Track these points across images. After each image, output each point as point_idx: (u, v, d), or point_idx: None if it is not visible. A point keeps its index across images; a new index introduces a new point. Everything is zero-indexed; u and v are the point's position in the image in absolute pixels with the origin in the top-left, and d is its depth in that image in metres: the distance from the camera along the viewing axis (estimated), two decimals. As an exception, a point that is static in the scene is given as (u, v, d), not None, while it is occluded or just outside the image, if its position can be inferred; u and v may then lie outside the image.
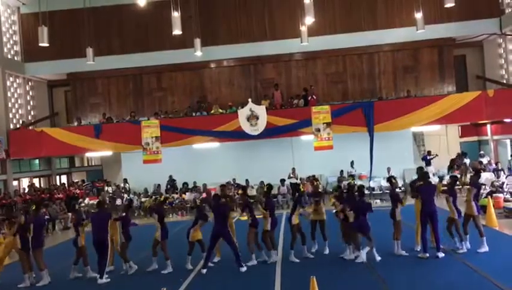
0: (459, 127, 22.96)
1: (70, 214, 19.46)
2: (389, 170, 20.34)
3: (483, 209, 14.40)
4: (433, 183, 10.69)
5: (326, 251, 10.89)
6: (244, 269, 10.12)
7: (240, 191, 19.44)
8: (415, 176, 20.08)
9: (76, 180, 23.75)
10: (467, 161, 20.38)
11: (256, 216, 10.88)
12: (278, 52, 21.91)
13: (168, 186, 21.44)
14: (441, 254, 9.99)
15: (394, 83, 22.26)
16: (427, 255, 10.06)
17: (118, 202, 20.23)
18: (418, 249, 10.53)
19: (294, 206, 11.20)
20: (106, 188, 22.05)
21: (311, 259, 10.70)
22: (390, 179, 11.66)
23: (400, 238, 10.60)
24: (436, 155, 20.75)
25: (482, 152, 21.61)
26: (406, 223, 11.08)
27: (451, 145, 22.36)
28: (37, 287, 10.09)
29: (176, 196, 20.47)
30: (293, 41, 20.66)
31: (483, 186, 17.53)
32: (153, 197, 20.46)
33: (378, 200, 19.56)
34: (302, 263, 10.48)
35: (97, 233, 10.15)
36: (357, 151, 19.93)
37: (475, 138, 23.40)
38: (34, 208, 10.90)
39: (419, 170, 12.18)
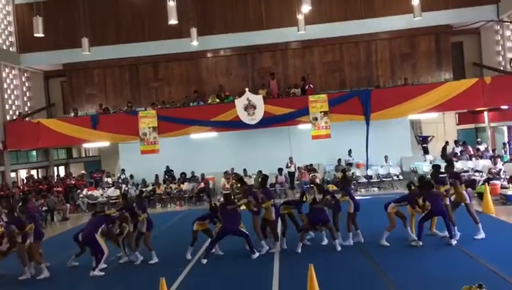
0: (457, 115, 22.97)
1: (68, 205, 19.56)
2: (386, 158, 20.44)
3: (480, 196, 14.53)
4: (435, 191, 10.45)
5: (325, 242, 10.91)
6: (256, 255, 10.22)
7: (236, 181, 19.51)
8: (413, 164, 20.36)
9: (82, 172, 23.63)
10: (458, 148, 20.55)
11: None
12: (274, 41, 21.80)
13: (166, 176, 21.46)
14: (454, 241, 9.99)
15: (391, 70, 22.22)
16: (421, 243, 10.11)
17: (117, 192, 20.29)
18: (414, 237, 10.50)
19: (287, 203, 11.30)
20: (106, 179, 22.10)
21: (309, 247, 10.74)
22: (409, 186, 10.93)
23: (390, 230, 10.50)
24: (433, 137, 20.97)
25: (479, 139, 21.65)
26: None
27: (448, 133, 22.38)
28: (36, 280, 10.02)
29: (174, 186, 20.50)
30: (289, 29, 20.60)
31: (480, 173, 17.67)
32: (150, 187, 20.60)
33: (375, 188, 19.62)
34: (300, 251, 10.52)
35: (87, 232, 10.19)
36: (355, 140, 19.92)
37: (472, 125, 23.44)
38: (20, 204, 10.83)
39: (421, 179, 11.48)
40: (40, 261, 10.21)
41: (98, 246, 10.07)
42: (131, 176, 21.82)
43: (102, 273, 9.99)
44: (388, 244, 10.36)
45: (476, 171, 18.48)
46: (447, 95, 18.67)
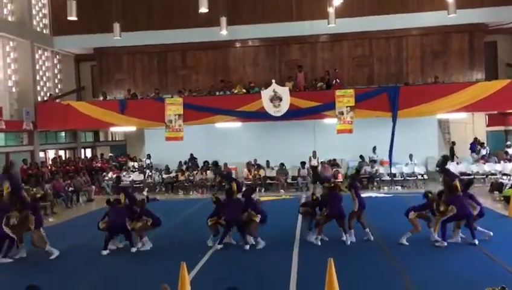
0: (486, 116, 22.47)
1: (93, 187, 19.98)
2: (411, 156, 20.14)
3: (506, 200, 14.22)
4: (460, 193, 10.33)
5: (343, 237, 10.86)
6: (247, 247, 10.42)
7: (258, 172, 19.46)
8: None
9: (110, 155, 24.05)
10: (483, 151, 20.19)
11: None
12: (303, 33, 21.63)
13: (189, 163, 21.67)
14: (476, 241, 9.91)
15: (421, 68, 21.84)
16: (445, 243, 9.98)
17: (141, 177, 20.63)
18: (437, 238, 10.35)
19: (305, 205, 11.45)
20: (132, 163, 22.46)
21: (329, 243, 10.71)
22: (426, 194, 10.62)
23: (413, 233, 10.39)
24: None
25: (508, 142, 21.15)
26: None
27: (477, 134, 21.91)
28: (65, 262, 10.08)
29: (196, 173, 20.68)
30: (319, 22, 20.35)
31: (508, 177, 17.28)
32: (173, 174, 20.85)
33: (399, 187, 19.39)
34: (320, 245, 10.52)
35: (118, 223, 10.66)
36: (380, 137, 19.66)
37: (502, 128, 22.88)
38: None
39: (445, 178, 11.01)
40: (43, 246, 10.40)
41: (128, 232, 10.67)
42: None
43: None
44: (407, 243, 10.26)
45: (504, 174, 18.09)
46: (477, 96, 18.24)
